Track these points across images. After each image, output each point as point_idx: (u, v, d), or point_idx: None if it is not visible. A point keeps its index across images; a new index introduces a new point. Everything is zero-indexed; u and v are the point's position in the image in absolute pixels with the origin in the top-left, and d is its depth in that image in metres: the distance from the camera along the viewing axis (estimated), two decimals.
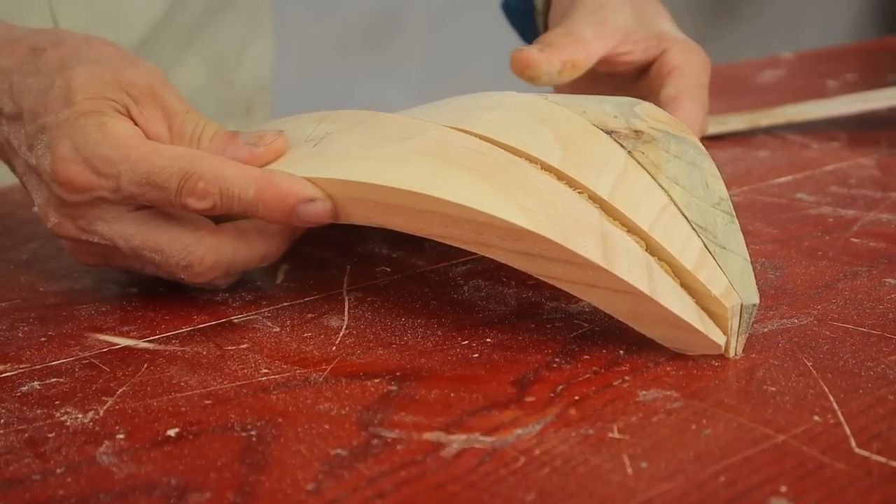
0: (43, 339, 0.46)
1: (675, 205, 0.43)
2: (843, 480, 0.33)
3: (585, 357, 0.43)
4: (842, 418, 0.37)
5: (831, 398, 0.38)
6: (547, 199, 0.42)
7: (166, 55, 0.79)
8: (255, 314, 0.48)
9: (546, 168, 0.43)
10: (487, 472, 0.34)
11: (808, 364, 0.41)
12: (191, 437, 0.37)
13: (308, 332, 0.46)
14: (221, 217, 0.48)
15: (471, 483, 0.34)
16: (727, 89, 0.99)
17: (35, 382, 0.42)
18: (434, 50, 2.07)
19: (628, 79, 0.62)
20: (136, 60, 0.49)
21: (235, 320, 0.48)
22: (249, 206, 0.46)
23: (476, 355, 0.43)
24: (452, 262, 0.54)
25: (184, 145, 0.48)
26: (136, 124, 0.47)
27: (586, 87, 0.61)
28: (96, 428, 0.38)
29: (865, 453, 0.35)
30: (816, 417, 0.37)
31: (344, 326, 0.47)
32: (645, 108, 0.48)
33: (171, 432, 0.38)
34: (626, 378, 0.41)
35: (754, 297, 0.42)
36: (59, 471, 0.35)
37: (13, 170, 0.50)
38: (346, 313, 0.48)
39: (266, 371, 0.42)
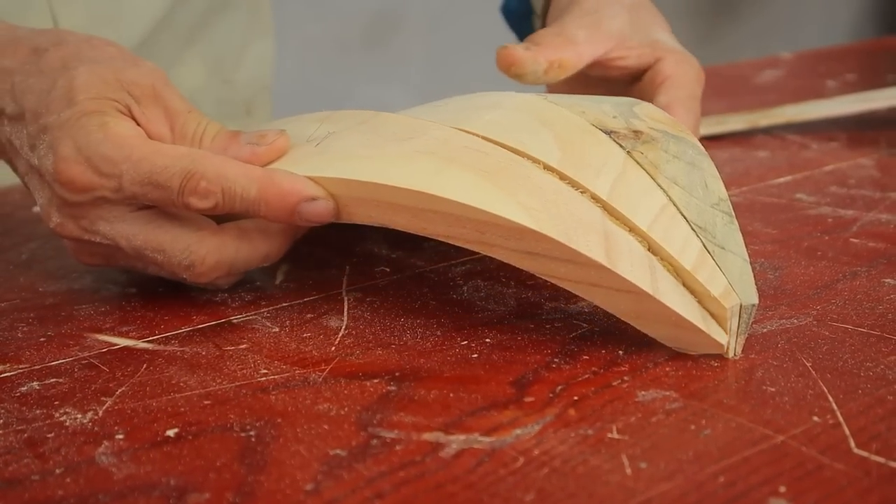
0: (42, 339, 0.46)
1: (675, 205, 0.43)
2: (842, 481, 0.33)
3: (584, 357, 0.43)
4: (841, 419, 0.37)
5: (830, 398, 0.38)
6: (549, 198, 0.42)
7: (166, 55, 0.79)
8: (255, 314, 0.48)
9: (547, 168, 0.43)
10: (486, 472, 0.34)
11: (808, 364, 0.41)
12: (190, 437, 0.37)
13: (307, 332, 0.46)
14: (223, 217, 0.48)
15: (470, 483, 0.34)
16: (726, 89, 0.99)
17: (34, 383, 0.42)
18: (434, 50, 2.07)
19: (621, 84, 0.62)
20: (138, 61, 0.49)
21: (235, 320, 0.48)
22: (251, 205, 0.46)
23: (475, 355, 0.43)
24: (452, 262, 0.54)
25: (186, 145, 0.48)
26: (138, 124, 0.48)
27: (580, 89, 0.61)
28: (95, 428, 0.38)
29: (864, 454, 0.35)
30: (815, 418, 0.37)
31: (343, 327, 0.47)
32: (644, 108, 0.48)
33: (171, 432, 0.38)
34: (626, 378, 0.41)
35: (753, 298, 0.42)
36: (58, 471, 0.36)
37: (15, 170, 0.50)
38: (345, 313, 0.48)
39: (265, 371, 0.42)
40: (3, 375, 0.43)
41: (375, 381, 0.41)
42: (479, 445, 0.36)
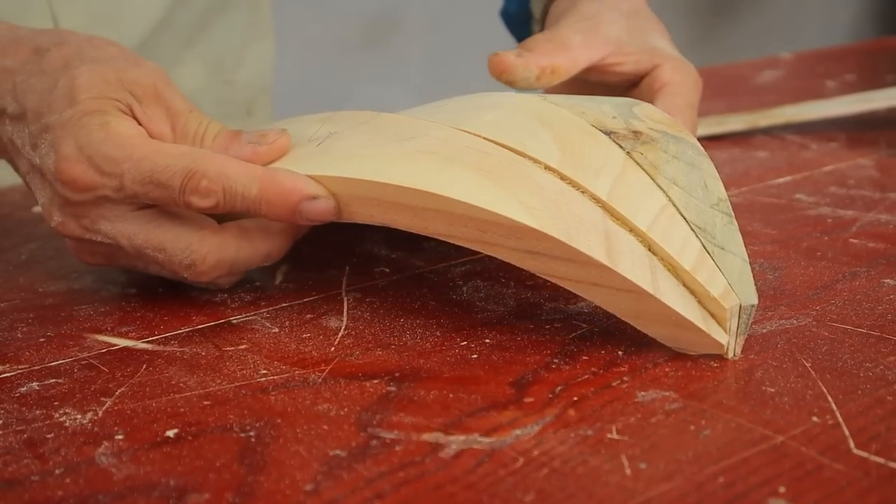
0: (42, 339, 0.46)
1: (674, 205, 0.43)
2: (842, 481, 0.33)
3: (584, 358, 0.43)
4: (840, 419, 0.37)
5: (830, 399, 0.38)
6: (550, 198, 0.42)
7: (167, 56, 0.79)
8: (254, 315, 0.48)
9: (547, 168, 0.43)
10: (486, 472, 0.34)
11: (807, 365, 0.41)
12: (190, 437, 0.37)
13: (307, 332, 0.46)
14: (225, 216, 0.48)
15: (469, 484, 0.34)
16: (726, 90, 0.99)
17: (34, 383, 0.42)
18: (433, 51, 2.07)
19: (619, 90, 0.62)
20: (140, 60, 0.49)
21: (234, 321, 0.48)
22: (253, 203, 0.46)
23: (475, 356, 0.43)
24: (451, 262, 0.54)
25: (187, 144, 0.48)
26: (139, 124, 0.48)
27: (578, 93, 0.61)
28: (95, 429, 0.38)
29: (864, 454, 0.35)
30: (815, 418, 0.37)
31: (343, 327, 0.47)
32: (644, 108, 0.48)
33: (170, 433, 0.38)
34: (625, 379, 0.41)
35: (753, 298, 0.42)
36: (57, 471, 0.36)
37: (16, 169, 0.50)
38: (344, 314, 0.48)
39: (265, 372, 0.42)
40: (2, 376, 0.43)
41: (375, 381, 0.41)
42: (478, 446, 0.36)
